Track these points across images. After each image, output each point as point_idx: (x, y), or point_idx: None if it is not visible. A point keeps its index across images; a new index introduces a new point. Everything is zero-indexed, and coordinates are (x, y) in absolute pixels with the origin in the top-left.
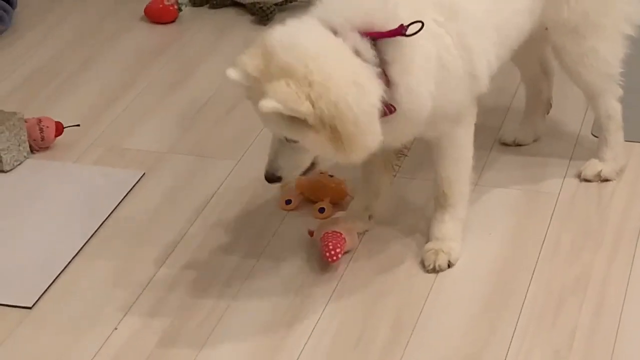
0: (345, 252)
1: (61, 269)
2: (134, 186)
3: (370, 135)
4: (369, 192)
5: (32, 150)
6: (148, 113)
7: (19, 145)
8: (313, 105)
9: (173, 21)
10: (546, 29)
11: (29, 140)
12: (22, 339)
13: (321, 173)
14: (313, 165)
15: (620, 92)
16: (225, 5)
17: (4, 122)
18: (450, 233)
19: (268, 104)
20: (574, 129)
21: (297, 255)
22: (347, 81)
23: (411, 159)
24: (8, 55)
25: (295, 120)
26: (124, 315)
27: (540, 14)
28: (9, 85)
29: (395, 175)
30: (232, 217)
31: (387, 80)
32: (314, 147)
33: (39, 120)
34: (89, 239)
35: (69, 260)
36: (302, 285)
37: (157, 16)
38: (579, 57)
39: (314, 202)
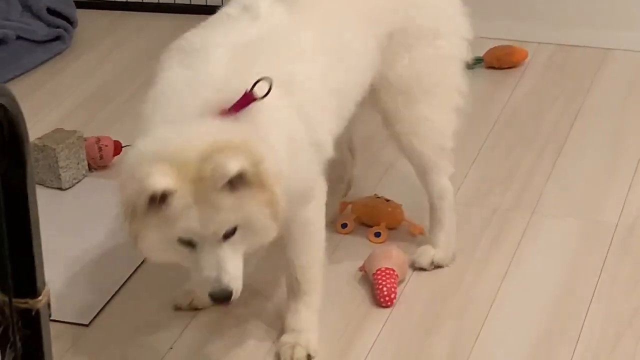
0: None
1: (118, 287)
2: None
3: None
4: None
5: (91, 168)
6: None
7: (78, 164)
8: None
9: None
10: (378, 89)
11: (87, 159)
12: (80, 356)
13: (377, 197)
14: None
15: (452, 169)
16: None
17: (63, 141)
18: (306, 324)
19: (234, 163)
20: (633, 157)
21: (350, 284)
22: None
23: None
24: (68, 75)
25: (240, 190)
26: (181, 334)
27: (375, 72)
28: (69, 105)
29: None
30: None
31: None
32: (254, 216)
33: (98, 139)
34: (145, 258)
35: (125, 279)
36: (354, 315)
37: None
38: (412, 125)
39: (370, 226)
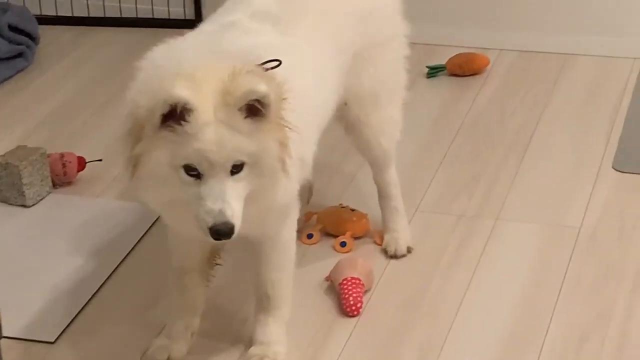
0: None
1: (83, 305)
2: (155, 221)
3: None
4: (186, 310)
5: (55, 185)
6: None
7: (42, 180)
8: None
9: None
10: (346, 104)
11: (51, 175)
12: None
13: (342, 207)
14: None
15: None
16: None
17: (27, 157)
18: (275, 336)
19: (263, 85)
20: (595, 162)
21: (317, 293)
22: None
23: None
24: (31, 91)
25: (258, 121)
26: (143, 354)
27: (343, 89)
28: (33, 121)
29: (208, 287)
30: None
31: None
32: (267, 153)
33: (62, 156)
34: (111, 274)
35: (90, 296)
36: (321, 325)
37: None
38: (380, 127)
39: (335, 236)
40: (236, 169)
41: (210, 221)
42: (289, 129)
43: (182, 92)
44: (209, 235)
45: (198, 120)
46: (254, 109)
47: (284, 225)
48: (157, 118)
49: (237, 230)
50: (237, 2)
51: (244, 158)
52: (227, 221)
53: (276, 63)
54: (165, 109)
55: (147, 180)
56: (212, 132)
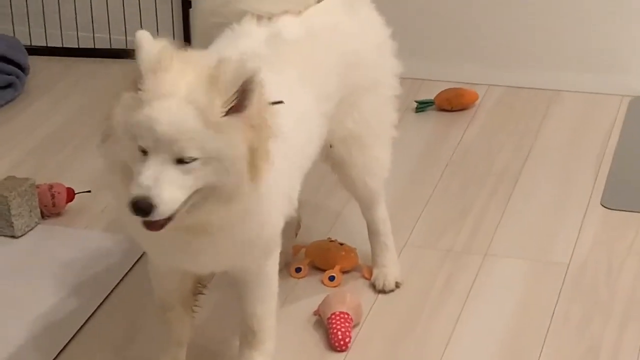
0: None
1: (72, 335)
2: (144, 253)
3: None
4: (172, 344)
5: (44, 216)
6: None
7: (30, 211)
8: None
9: None
10: (331, 146)
11: (40, 206)
12: None
13: (331, 241)
14: (189, 199)
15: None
16: None
17: (15, 188)
18: None
19: (251, 67)
20: (583, 198)
21: (305, 328)
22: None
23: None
24: (20, 122)
25: (232, 116)
26: None
27: (327, 133)
28: (21, 152)
29: (194, 318)
30: None
31: None
32: (231, 151)
33: (51, 187)
34: (100, 304)
35: (80, 326)
36: (309, 358)
37: None
38: (365, 167)
39: (324, 270)
40: (184, 160)
41: (133, 193)
42: (271, 133)
43: (160, 43)
44: (130, 209)
45: (160, 88)
46: (237, 102)
47: (267, 260)
48: (129, 74)
49: (160, 212)
50: (225, 42)
51: (195, 153)
52: (149, 197)
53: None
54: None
55: (111, 138)
56: (173, 107)
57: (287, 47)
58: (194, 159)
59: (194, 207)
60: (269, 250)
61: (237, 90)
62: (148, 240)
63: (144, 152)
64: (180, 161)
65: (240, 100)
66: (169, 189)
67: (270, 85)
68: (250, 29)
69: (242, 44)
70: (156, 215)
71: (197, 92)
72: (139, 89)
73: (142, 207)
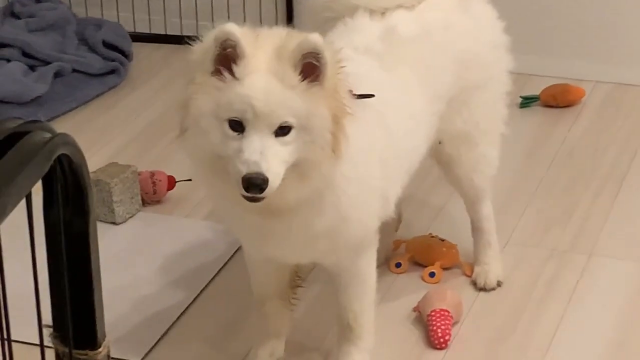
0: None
1: (170, 324)
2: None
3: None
4: (270, 337)
5: (144, 203)
6: None
7: (132, 198)
8: None
9: None
10: (440, 142)
11: (141, 194)
12: None
13: (432, 237)
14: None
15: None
16: None
17: (117, 175)
18: None
19: (321, 41)
20: None
21: (404, 324)
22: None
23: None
24: (123, 108)
25: (313, 85)
26: None
27: (435, 132)
28: (124, 138)
29: (293, 311)
30: None
31: None
32: (318, 119)
33: (152, 174)
34: (199, 294)
35: (178, 315)
36: (408, 357)
37: None
38: (472, 164)
39: (424, 266)
40: (283, 130)
41: (243, 170)
42: (346, 106)
43: (232, 28)
44: (241, 187)
45: (247, 67)
46: (309, 70)
47: (361, 256)
48: (208, 60)
49: (271, 186)
50: (338, 37)
51: (291, 118)
52: (261, 172)
53: (370, 94)
54: (216, 48)
55: (192, 129)
56: (261, 80)
57: (401, 44)
58: (290, 129)
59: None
60: (360, 248)
61: (301, 60)
62: (208, 170)
63: (237, 132)
64: (278, 134)
65: (312, 72)
66: (275, 162)
67: (382, 84)
68: (364, 23)
69: (356, 39)
70: (269, 190)
71: (271, 62)
72: (219, 77)
73: (256, 183)
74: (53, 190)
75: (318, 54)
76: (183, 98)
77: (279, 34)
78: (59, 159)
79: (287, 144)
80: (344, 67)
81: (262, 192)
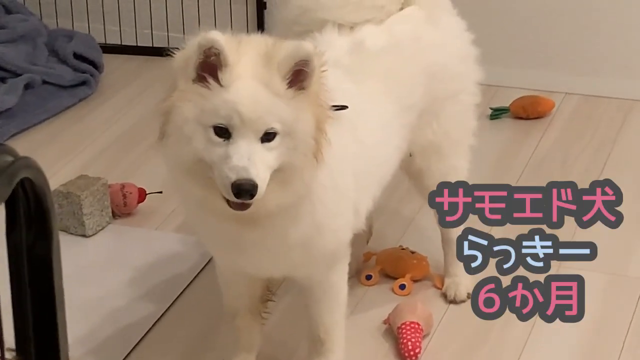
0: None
1: (141, 336)
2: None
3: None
4: (242, 350)
5: (115, 215)
6: None
7: (102, 211)
8: None
9: None
10: (410, 155)
11: (111, 206)
12: None
13: (402, 249)
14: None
15: None
16: None
17: (88, 187)
18: None
19: (309, 45)
20: None
21: (375, 337)
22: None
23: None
24: (93, 120)
25: (299, 93)
26: None
27: (406, 144)
28: (94, 150)
29: (264, 324)
30: None
31: None
32: (303, 125)
33: (122, 186)
34: (170, 306)
35: (149, 328)
36: None
37: None
38: (442, 176)
39: (395, 278)
40: (268, 137)
41: (232, 176)
42: (327, 110)
43: (216, 36)
44: (231, 193)
45: (232, 74)
46: (295, 78)
47: (333, 269)
48: (190, 67)
49: (260, 193)
50: None
51: (277, 124)
52: (251, 178)
53: (343, 105)
54: (199, 56)
55: (174, 136)
56: (247, 86)
57: (370, 57)
58: (275, 135)
59: None
60: (333, 261)
61: (292, 69)
62: (189, 178)
63: (222, 138)
64: (263, 140)
65: (299, 79)
66: (262, 167)
67: (353, 97)
68: (333, 38)
69: (325, 53)
70: (258, 196)
71: (258, 68)
72: (203, 84)
73: (246, 189)
74: (16, 214)
75: (309, 61)
76: (165, 105)
77: (262, 40)
78: (22, 182)
79: (271, 149)
80: (325, 70)
81: (252, 198)
